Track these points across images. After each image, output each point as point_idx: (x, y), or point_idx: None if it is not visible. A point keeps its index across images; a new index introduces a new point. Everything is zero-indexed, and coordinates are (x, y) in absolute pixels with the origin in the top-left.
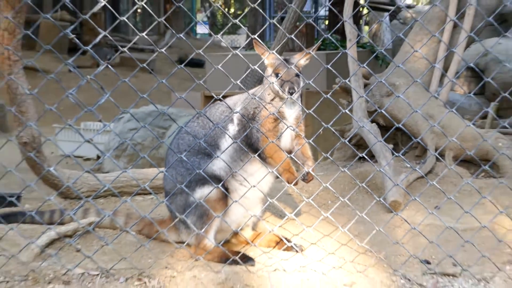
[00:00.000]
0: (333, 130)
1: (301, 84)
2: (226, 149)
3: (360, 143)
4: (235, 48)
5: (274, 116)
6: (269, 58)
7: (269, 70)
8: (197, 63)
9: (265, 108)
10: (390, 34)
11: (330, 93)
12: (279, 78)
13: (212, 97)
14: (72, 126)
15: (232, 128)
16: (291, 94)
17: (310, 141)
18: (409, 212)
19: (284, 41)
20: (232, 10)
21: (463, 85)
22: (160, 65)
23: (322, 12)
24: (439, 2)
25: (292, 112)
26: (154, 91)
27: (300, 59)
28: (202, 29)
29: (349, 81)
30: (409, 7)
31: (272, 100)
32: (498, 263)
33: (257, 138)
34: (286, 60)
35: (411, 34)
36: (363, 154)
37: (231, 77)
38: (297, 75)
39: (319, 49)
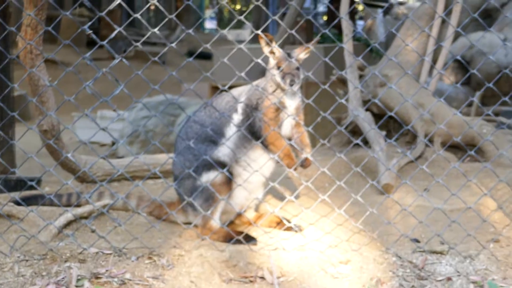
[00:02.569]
0: (330, 118)
1: (301, 76)
2: (231, 136)
3: (355, 130)
4: (241, 41)
5: (275, 106)
6: (272, 52)
7: (272, 63)
8: (205, 56)
9: (268, 98)
10: (384, 28)
11: (328, 84)
12: (281, 71)
13: (219, 87)
14: (88, 115)
15: (237, 117)
16: (292, 85)
17: (309, 129)
18: (400, 194)
19: (285, 36)
20: (238, 6)
21: (450, 76)
22: (171, 57)
23: (321, 8)
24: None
25: (293, 102)
26: (165, 81)
27: (301, 54)
28: (210, 24)
29: (345, 73)
30: (401, 3)
31: (274, 91)
32: (483, 242)
33: (259, 127)
34: (288, 54)
35: (403, 29)
36: (358, 141)
37: (238, 69)
38: (297, 68)
39: (318, 43)
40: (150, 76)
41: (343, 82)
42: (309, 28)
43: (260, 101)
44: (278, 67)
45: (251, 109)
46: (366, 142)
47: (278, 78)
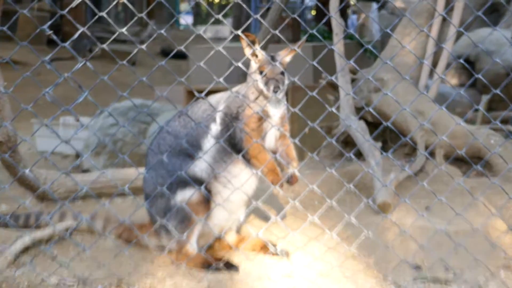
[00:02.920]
0: (319, 128)
1: (286, 82)
2: (209, 149)
3: (348, 141)
4: (220, 39)
5: (258, 115)
6: (254, 54)
7: (254, 67)
8: (180, 55)
9: (249, 107)
10: (379, 24)
11: (315, 90)
12: (264, 76)
13: (195, 93)
14: (48, 126)
15: (215, 128)
16: (276, 92)
17: (296, 140)
18: (399, 213)
19: (269, 36)
20: (217, 0)
21: (454, 77)
22: (142, 57)
23: (309, 2)
24: None
25: (277, 111)
26: (136, 84)
27: (285, 56)
28: (186, 19)
29: (336, 77)
30: None
31: (256, 98)
32: (492, 268)
33: (240, 138)
34: (271, 57)
35: (400, 27)
36: (351, 154)
37: (216, 70)
38: (282, 73)
39: (306, 41)
40: (119, 78)
41: (333, 86)
42: (295, 25)
43: (240, 110)
44: (261, 72)
45: (231, 118)
46: (360, 154)
47: (261, 84)
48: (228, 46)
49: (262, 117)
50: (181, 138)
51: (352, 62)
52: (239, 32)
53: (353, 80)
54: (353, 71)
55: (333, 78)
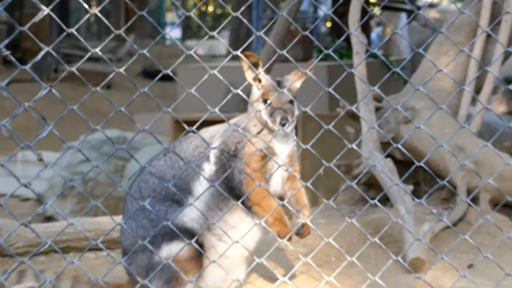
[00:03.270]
0: (335, 169)
1: (296, 112)
2: (201, 194)
3: (372, 183)
4: (215, 56)
5: (261, 153)
6: (257, 79)
7: (256, 95)
8: (166, 76)
9: (250, 142)
10: (408, 39)
11: (332, 123)
12: (269, 105)
13: (184, 120)
14: (5, 166)
15: (209, 168)
16: (284, 125)
17: (308, 184)
18: (435, 272)
19: (276, 56)
20: (210, 8)
21: (501, 103)
22: (119, 78)
23: (324, 9)
24: (468, 7)
25: (285, 148)
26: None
27: (295, 81)
28: (172, 32)
29: (356, 106)
30: (432, 6)
31: (259, 132)
32: None
33: (239, 181)
34: (278, 83)
35: (435, 45)
36: (375, 201)
37: (211, 94)
38: (290, 102)
39: (320, 59)
40: (91, 104)
41: (354, 116)
42: (307, 41)
43: (240, 146)
44: (265, 100)
45: (228, 157)
46: (386, 199)
47: (265, 115)
48: (225, 65)
49: (267, 155)
50: (167, 181)
51: (376, 88)
52: (238, 52)
53: (377, 109)
54: (378, 98)
55: (353, 107)
